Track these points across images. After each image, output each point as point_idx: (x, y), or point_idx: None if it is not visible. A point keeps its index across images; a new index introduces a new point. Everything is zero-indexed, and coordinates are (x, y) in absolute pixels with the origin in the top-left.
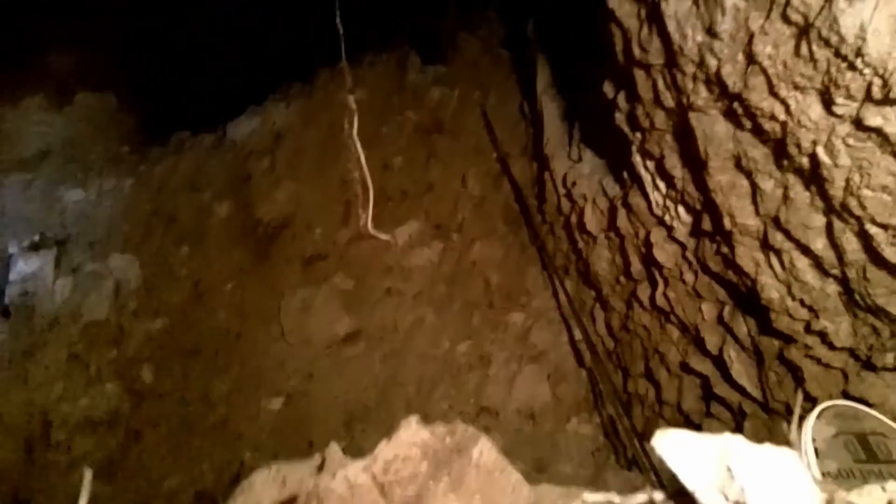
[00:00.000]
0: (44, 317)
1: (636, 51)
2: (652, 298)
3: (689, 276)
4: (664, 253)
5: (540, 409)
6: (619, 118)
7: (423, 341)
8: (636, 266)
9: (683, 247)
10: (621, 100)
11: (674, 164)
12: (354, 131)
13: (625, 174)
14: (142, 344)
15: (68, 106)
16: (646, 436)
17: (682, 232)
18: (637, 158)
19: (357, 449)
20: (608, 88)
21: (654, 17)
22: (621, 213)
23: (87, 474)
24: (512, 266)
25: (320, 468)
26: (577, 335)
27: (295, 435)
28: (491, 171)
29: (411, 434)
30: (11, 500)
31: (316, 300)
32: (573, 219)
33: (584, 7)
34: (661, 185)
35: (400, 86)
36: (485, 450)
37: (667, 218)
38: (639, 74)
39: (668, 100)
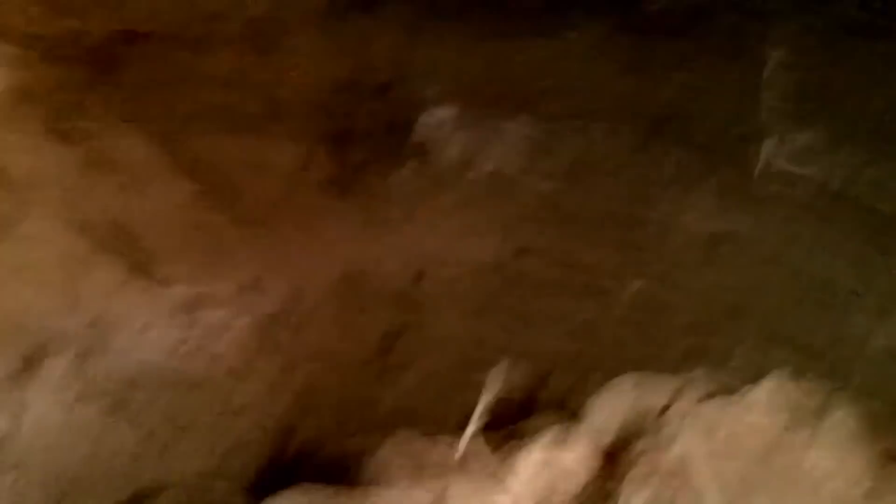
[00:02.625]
0: (440, 165)
1: None
2: None
3: None
4: None
5: None
6: None
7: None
8: None
9: None
10: None
11: None
12: None
13: None
14: (528, 202)
15: None
16: None
17: None
18: None
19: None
20: None
21: None
22: None
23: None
24: None
25: (679, 391)
26: None
27: (650, 327)
28: None
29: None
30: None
31: (693, 192)
32: None
33: None
34: None
35: None
36: None
37: None
38: None
39: None
